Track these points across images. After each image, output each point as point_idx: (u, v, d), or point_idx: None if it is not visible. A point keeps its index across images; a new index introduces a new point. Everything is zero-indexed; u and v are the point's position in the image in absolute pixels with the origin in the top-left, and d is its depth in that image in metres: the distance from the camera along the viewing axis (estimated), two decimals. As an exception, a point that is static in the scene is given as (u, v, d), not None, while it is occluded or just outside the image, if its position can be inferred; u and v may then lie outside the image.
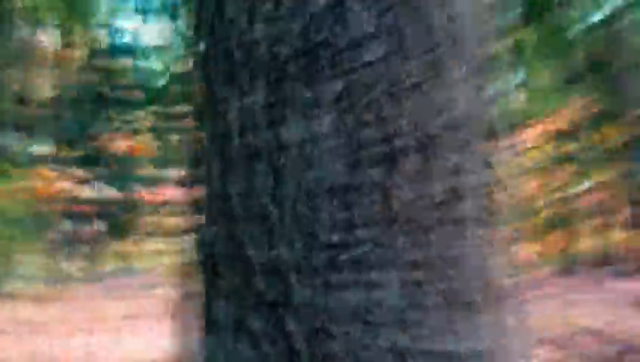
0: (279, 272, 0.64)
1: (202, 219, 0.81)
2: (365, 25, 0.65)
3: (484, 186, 0.67)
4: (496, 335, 0.65)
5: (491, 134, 0.70)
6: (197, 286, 0.78)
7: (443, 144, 0.65)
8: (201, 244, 0.78)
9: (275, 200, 0.67)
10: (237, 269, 0.67)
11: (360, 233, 0.62)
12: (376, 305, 0.61)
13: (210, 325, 0.71)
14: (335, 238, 0.63)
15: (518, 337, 0.67)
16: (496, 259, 0.67)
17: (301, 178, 0.66)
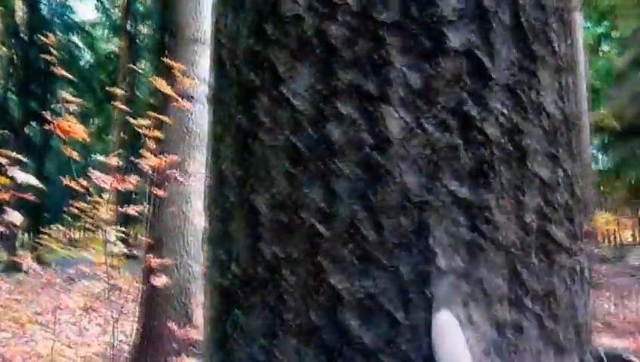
0: (376, 308, 0.50)
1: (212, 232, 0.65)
2: (446, 7, 0.53)
3: (569, 207, 0.58)
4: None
5: (578, 143, 0.60)
6: (215, 314, 0.62)
7: (533, 156, 0.54)
8: (217, 262, 0.63)
9: (326, 217, 0.53)
10: (309, 302, 0.53)
11: (440, 262, 0.51)
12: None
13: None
14: (407, 271, 0.51)
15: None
16: (580, 291, 0.58)
17: (361, 190, 0.52)
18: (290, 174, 0.56)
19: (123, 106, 5.76)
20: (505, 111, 0.53)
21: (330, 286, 0.52)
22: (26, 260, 4.97)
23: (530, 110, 0.55)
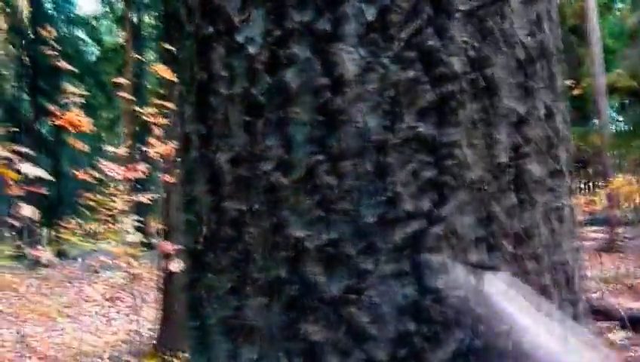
0: (342, 259, 0.48)
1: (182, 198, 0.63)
2: None
3: (550, 143, 0.54)
4: (568, 324, 0.53)
5: (557, 76, 0.56)
6: (188, 279, 0.61)
7: (504, 89, 0.51)
8: (188, 227, 0.61)
9: (285, 167, 0.51)
10: (273, 256, 0.51)
11: (405, 205, 0.47)
12: (432, 297, 0.46)
13: (239, 329, 0.53)
14: (370, 217, 0.48)
15: (588, 325, 0.55)
16: (566, 232, 0.55)
17: (319, 136, 0.49)
18: (249, 125, 0.53)
19: (127, 95, 5.77)
20: (471, 42, 0.49)
21: (293, 238, 0.50)
22: (44, 254, 5.05)
23: (501, 40, 0.51)
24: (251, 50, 0.53)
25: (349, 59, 0.49)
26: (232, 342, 0.54)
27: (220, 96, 0.56)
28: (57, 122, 4.99)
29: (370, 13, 0.49)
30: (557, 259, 0.53)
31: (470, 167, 0.48)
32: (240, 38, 0.54)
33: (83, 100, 5.26)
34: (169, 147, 5.04)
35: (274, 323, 0.51)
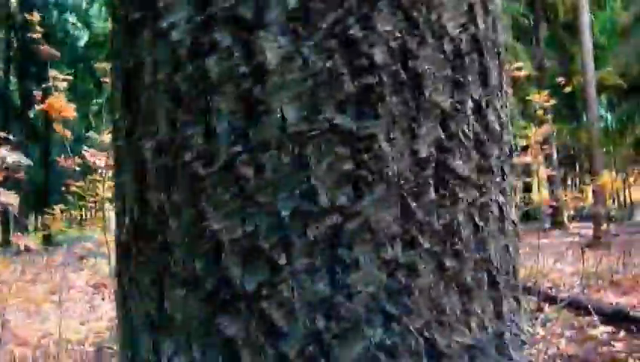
0: (257, 253, 0.47)
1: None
2: None
3: (478, 138, 0.53)
4: (493, 323, 0.52)
5: (492, 71, 0.55)
6: (120, 268, 0.60)
7: (429, 82, 0.49)
8: (117, 216, 0.59)
9: (207, 159, 0.49)
10: (193, 249, 0.50)
11: (322, 200, 0.46)
12: (343, 293, 0.45)
13: (158, 323, 0.52)
14: (285, 210, 0.47)
15: (514, 324, 0.55)
16: (494, 230, 0.54)
17: (240, 128, 0.48)
18: (172, 115, 0.52)
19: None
20: (396, 33, 0.48)
21: (212, 232, 0.48)
22: (26, 241, 4.99)
23: (427, 32, 0.50)
24: (175, 36, 0.51)
25: (270, 47, 0.47)
26: (153, 335, 0.53)
27: (145, 83, 0.54)
28: (40, 107, 4.91)
29: (294, 2, 0.47)
30: (480, 257, 0.52)
31: (389, 162, 0.47)
32: (164, 24, 0.52)
33: (69, 85, 5.17)
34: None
35: (192, 317, 0.50)
